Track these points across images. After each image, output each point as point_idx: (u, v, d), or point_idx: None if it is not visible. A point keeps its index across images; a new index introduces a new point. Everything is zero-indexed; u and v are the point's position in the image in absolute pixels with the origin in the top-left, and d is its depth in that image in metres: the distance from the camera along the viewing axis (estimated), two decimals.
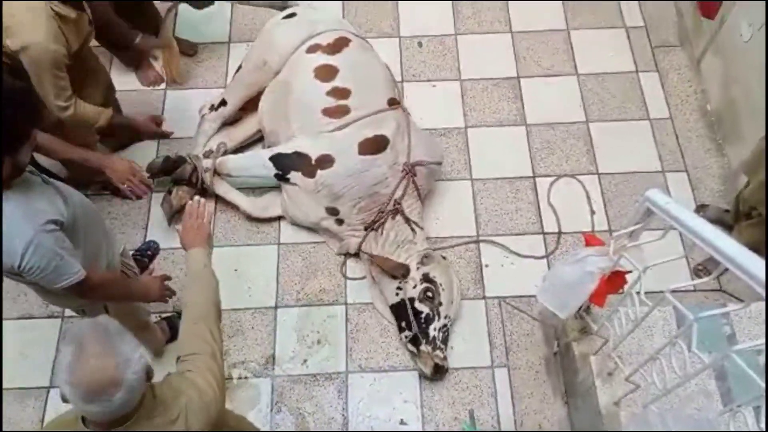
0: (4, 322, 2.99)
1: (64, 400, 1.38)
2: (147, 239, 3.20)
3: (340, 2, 3.97)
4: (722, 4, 3.32)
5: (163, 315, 3.00)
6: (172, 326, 2.94)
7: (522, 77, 3.70)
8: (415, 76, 3.72)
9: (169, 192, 3.17)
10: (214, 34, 3.86)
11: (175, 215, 3.17)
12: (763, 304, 2.32)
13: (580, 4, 3.93)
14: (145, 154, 3.41)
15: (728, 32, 3.32)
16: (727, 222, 2.91)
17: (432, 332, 2.81)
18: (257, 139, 3.44)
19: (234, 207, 3.24)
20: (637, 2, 3.94)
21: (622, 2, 3.95)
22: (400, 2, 3.97)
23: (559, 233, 3.22)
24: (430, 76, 3.73)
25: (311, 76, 3.09)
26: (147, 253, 3.18)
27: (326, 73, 3.09)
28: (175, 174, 3.14)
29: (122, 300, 2.33)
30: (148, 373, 1.45)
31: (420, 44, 3.84)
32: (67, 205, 1.91)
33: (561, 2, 3.95)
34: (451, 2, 3.97)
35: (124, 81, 3.62)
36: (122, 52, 3.58)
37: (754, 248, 1.59)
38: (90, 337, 1.37)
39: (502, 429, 2.76)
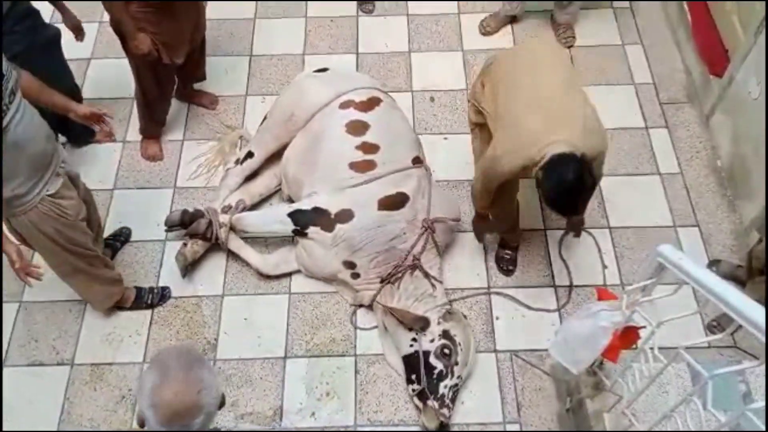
0: (12, 369, 2.99)
1: (141, 425, 1.41)
2: (159, 286, 3.21)
3: (354, 57, 4.09)
4: (730, 61, 3.38)
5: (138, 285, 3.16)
6: (138, 296, 3.12)
7: None
8: (427, 129, 3.78)
9: (185, 245, 3.21)
10: (232, 86, 3.96)
11: (188, 268, 3.20)
12: None
13: (589, 61, 4.01)
14: (162, 204, 3.48)
15: (737, 89, 3.37)
16: (740, 278, 2.89)
17: (442, 389, 2.78)
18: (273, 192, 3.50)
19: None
20: (645, 60, 4.02)
21: (630, 59, 4.03)
22: (413, 59, 4.08)
23: (571, 286, 3.20)
24: (442, 129, 3.79)
25: (343, 130, 3.14)
26: (120, 239, 3.32)
27: (358, 128, 3.15)
28: (190, 228, 3.18)
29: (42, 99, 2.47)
30: (222, 402, 1.48)
31: (432, 99, 3.92)
32: None
33: (571, 60, 4.03)
34: (462, 59, 4.07)
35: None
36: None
37: None
38: (175, 362, 1.42)
39: None
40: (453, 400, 2.80)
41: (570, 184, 2.31)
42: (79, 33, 3.27)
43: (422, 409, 2.78)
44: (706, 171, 3.56)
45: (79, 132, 3.50)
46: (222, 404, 1.49)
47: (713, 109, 3.62)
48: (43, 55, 3.02)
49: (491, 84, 2.77)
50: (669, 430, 1.85)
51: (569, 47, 4.05)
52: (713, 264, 3.15)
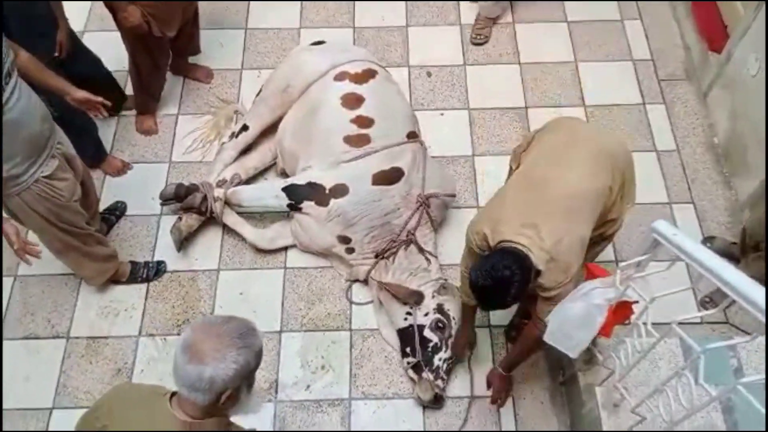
0: (8, 342, 3.00)
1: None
2: (155, 260, 3.21)
3: (351, 31, 4.04)
4: (729, 38, 3.36)
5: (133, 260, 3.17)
6: (133, 270, 3.12)
7: (530, 107, 3.74)
8: (423, 105, 3.76)
9: (180, 219, 3.20)
10: (227, 60, 3.92)
11: (184, 242, 3.19)
12: None
13: (587, 36, 3.98)
14: (157, 179, 3.46)
15: (735, 66, 3.35)
16: (734, 254, 2.90)
17: (437, 361, 2.81)
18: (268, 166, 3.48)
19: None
20: (644, 35, 3.99)
21: (629, 35, 4.00)
22: (410, 33, 4.03)
23: None
24: (438, 104, 3.77)
25: (338, 102, 3.12)
26: (115, 213, 3.32)
27: (353, 101, 3.12)
28: (185, 201, 3.18)
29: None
30: (249, 384, 1.51)
31: (429, 74, 3.89)
32: None
33: (569, 35, 4.00)
34: (460, 34, 4.03)
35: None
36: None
37: (762, 280, 1.59)
38: (228, 325, 1.44)
39: None
40: (448, 372, 2.83)
41: (497, 281, 2.05)
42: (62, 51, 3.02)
43: (417, 381, 2.81)
44: (703, 148, 3.56)
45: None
46: (249, 388, 1.51)
47: (711, 85, 3.61)
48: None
49: (533, 145, 2.46)
50: (660, 403, 1.87)
51: (475, 44, 3.98)
52: (707, 240, 3.16)
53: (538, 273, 2.12)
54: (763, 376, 1.52)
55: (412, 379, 2.85)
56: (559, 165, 2.27)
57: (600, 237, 2.43)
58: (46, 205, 2.50)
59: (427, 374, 2.79)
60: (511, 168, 2.55)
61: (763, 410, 1.47)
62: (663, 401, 1.87)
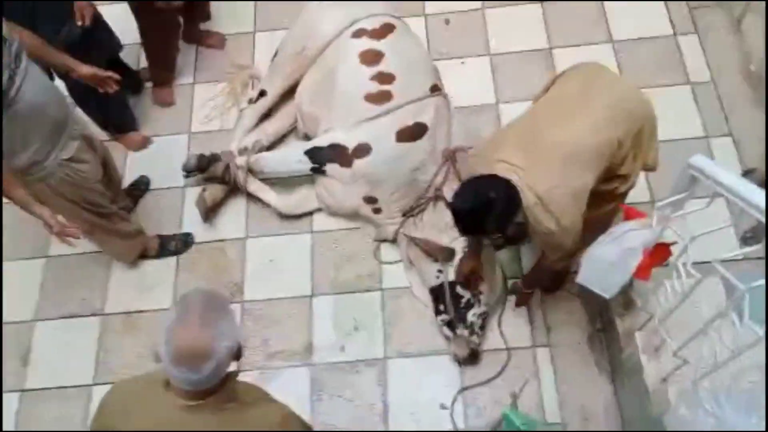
0: (44, 323, 3.05)
1: (157, 360, 1.43)
2: (182, 232, 3.21)
3: None
4: None
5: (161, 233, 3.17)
6: (162, 245, 3.12)
7: (554, 48, 3.58)
8: (443, 55, 3.63)
9: (204, 189, 3.18)
10: (239, 24, 3.84)
11: (209, 213, 3.18)
12: None
13: None
14: (178, 150, 3.44)
15: None
16: None
17: (470, 317, 2.76)
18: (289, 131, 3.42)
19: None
20: None
21: None
22: None
23: None
24: (459, 53, 3.64)
25: (357, 60, 3.02)
26: (140, 187, 3.31)
27: (372, 58, 3.02)
28: (208, 172, 3.15)
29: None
30: (238, 353, 1.48)
31: (447, 21, 3.75)
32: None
33: None
34: None
35: None
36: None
37: None
38: (197, 305, 1.43)
39: (546, 409, 2.69)
40: (482, 327, 2.79)
41: (479, 203, 1.99)
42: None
43: (452, 338, 2.78)
44: (739, 77, 3.37)
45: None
46: (239, 356, 1.49)
47: (744, 10, 3.40)
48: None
49: (549, 91, 2.38)
50: (704, 346, 1.79)
51: None
52: (747, 173, 3.01)
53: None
54: None
55: (446, 337, 2.82)
56: (565, 115, 2.16)
57: (611, 195, 2.30)
58: (71, 188, 2.50)
59: (461, 330, 2.75)
60: None
61: None
62: (707, 343, 1.79)
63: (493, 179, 2.03)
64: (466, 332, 2.75)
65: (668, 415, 1.75)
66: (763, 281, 1.59)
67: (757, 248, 1.85)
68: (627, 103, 2.22)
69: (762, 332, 1.56)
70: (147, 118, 3.58)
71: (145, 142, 3.47)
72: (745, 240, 2.85)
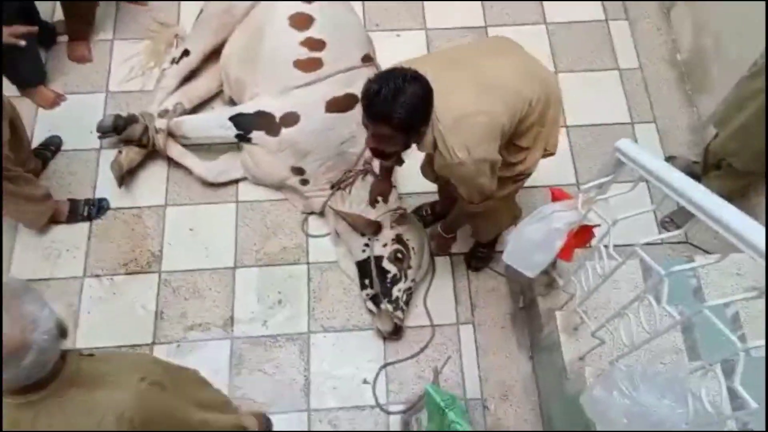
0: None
1: None
2: (96, 197, 3.03)
3: None
4: None
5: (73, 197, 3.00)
6: (73, 209, 2.94)
7: (489, 26, 3.57)
8: (378, 26, 3.55)
9: (120, 152, 2.99)
10: None
11: (125, 177, 3.01)
12: (733, 256, 2.29)
13: None
14: (94, 110, 3.23)
15: None
16: (695, 173, 2.86)
17: (396, 293, 2.74)
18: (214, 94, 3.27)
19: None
20: None
21: None
22: None
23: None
24: (394, 24, 3.57)
25: (286, 23, 2.89)
26: (50, 148, 3.10)
27: (302, 22, 2.90)
28: (125, 134, 2.97)
29: None
30: (62, 331, 1.37)
31: None
32: None
33: None
34: None
35: None
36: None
37: (724, 198, 1.52)
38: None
39: (467, 385, 2.72)
40: (407, 303, 2.78)
41: (393, 85, 1.85)
42: None
43: (376, 313, 2.75)
44: (666, 65, 3.46)
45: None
46: (64, 334, 1.37)
47: (673, 1, 3.48)
48: None
49: None
50: (621, 327, 1.83)
51: None
52: (669, 160, 3.11)
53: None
54: (733, 298, 1.47)
55: (371, 311, 2.79)
56: (492, 53, 2.14)
57: (509, 178, 2.27)
58: None
59: (386, 305, 2.73)
60: None
61: (726, 330, 1.42)
62: (624, 324, 1.83)
63: (413, 72, 1.89)
64: (390, 307, 2.73)
65: (584, 395, 1.78)
66: (680, 266, 1.63)
67: (676, 234, 1.90)
68: (544, 75, 2.22)
69: (676, 314, 1.59)
70: (60, 74, 3.34)
71: (57, 100, 3.24)
72: (664, 224, 2.95)
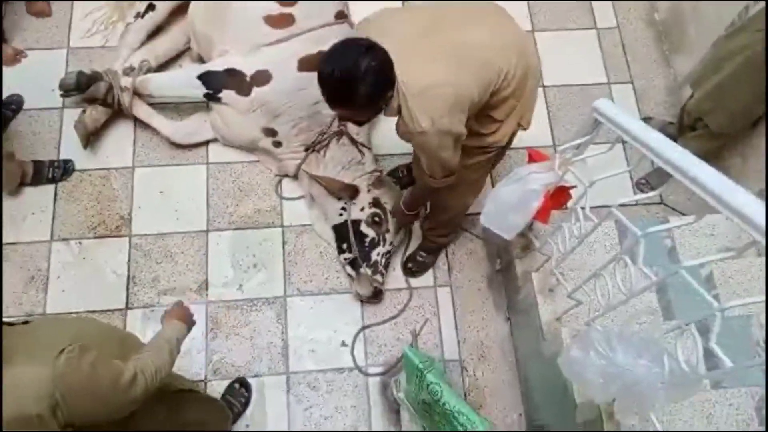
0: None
1: None
2: (60, 159, 2.93)
3: None
4: None
5: (37, 159, 2.90)
6: (37, 170, 2.85)
7: None
8: None
9: (84, 111, 2.88)
10: None
11: (90, 137, 2.90)
12: (709, 218, 2.30)
13: None
14: (55, 67, 3.10)
15: None
16: (671, 134, 2.85)
17: (375, 257, 2.72)
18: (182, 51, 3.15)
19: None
20: None
21: None
22: None
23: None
24: None
25: None
26: (11, 107, 2.99)
27: None
28: (88, 92, 2.85)
29: None
30: None
31: None
32: None
33: None
34: None
35: None
36: None
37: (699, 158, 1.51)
38: None
39: (445, 347, 2.74)
40: (386, 266, 2.76)
41: (351, 68, 1.76)
42: None
43: (355, 277, 2.73)
44: (643, 24, 3.43)
45: None
46: None
47: None
48: None
49: None
50: (597, 287, 1.84)
51: None
52: (644, 121, 3.09)
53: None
54: (709, 258, 1.48)
55: (350, 276, 2.76)
56: (466, 20, 1.98)
57: (480, 148, 2.19)
58: None
59: (365, 269, 2.71)
60: None
61: (702, 290, 1.43)
62: (600, 285, 1.83)
63: (367, 43, 1.79)
64: (369, 271, 2.71)
65: (561, 355, 1.79)
66: (656, 227, 1.63)
67: (651, 195, 1.89)
68: (522, 46, 2.08)
69: (652, 275, 1.60)
70: (18, 30, 3.19)
71: (16, 56, 3.09)
72: (639, 186, 2.95)
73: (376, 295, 2.73)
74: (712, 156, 2.74)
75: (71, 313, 2.67)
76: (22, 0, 3.23)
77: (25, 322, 1.48)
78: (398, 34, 1.88)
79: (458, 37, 1.94)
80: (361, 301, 2.78)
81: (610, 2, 3.48)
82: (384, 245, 2.74)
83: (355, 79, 1.76)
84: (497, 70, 1.96)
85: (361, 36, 1.88)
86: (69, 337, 1.42)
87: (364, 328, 2.76)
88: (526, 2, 3.45)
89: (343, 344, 2.73)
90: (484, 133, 2.15)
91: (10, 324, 1.45)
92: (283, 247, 2.88)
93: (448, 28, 1.95)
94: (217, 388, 2.61)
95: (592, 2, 3.48)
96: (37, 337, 1.42)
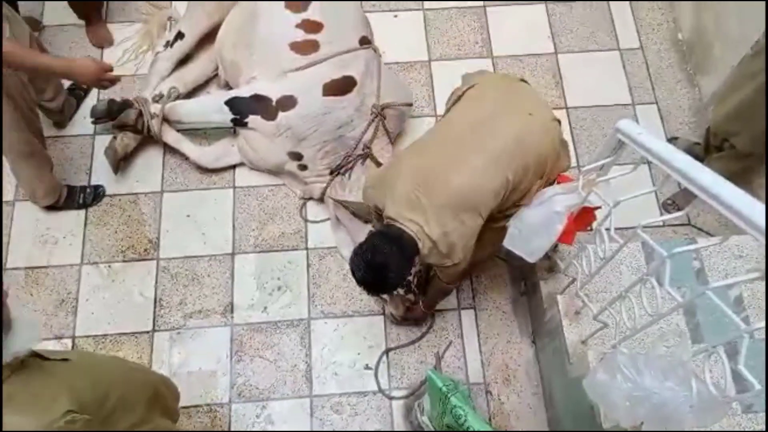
0: None
1: None
2: (92, 184, 3.00)
3: None
4: None
5: (69, 184, 2.98)
6: (70, 195, 2.93)
7: (488, 5, 3.51)
8: (375, 6, 3.50)
9: (114, 138, 2.96)
10: None
11: (120, 163, 2.98)
12: (736, 239, 2.27)
13: None
14: (87, 97, 3.20)
15: None
16: (698, 155, 2.82)
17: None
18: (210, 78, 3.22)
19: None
20: None
21: None
22: None
23: None
24: (391, 5, 3.52)
25: (281, 5, 2.85)
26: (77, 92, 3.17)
27: (298, 3, 2.85)
28: (118, 119, 2.93)
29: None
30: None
31: None
32: None
33: None
34: None
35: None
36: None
37: (726, 179, 1.49)
38: None
39: (469, 371, 2.71)
40: (418, 285, 2.75)
41: (375, 270, 1.97)
42: None
43: (388, 298, 2.72)
44: (667, 45, 3.42)
45: None
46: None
47: None
48: None
49: (457, 107, 2.24)
50: (623, 309, 1.81)
51: None
52: (670, 141, 3.08)
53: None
54: (736, 279, 1.45)
55: (382, 297, 2.76)
56: (463, 156, 2.03)
57: (506, 217, 2.24)
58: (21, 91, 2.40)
59: (397, 290, 2.70)
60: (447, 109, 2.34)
61: (730, 312, 1.40)
62: (626, 307, 1.81)
63: (394, 234, 2.01)
64: (401, 291, 2.70)
65: (587, 378, 1.76)
66: (682, 248, 1.61)
67: (678, 215, 1.87)
68: (527, 138, 2.07)
69: (679, 296, 1.57)
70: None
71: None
72: (666, 206, 2.92)
73: (408, 316, 2.73)
74: (739, 177, 2.69)
75: (99, 336, 2.71)
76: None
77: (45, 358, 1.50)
78: (402, 189, 2.04)
79: (456, 181, 2.00)
80: (395, 322, 2.77)
81: (633, 23, 3.47)
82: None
83: (383, 278, 1.98)
84: (502, 186, 2.05)
85: (378, 203, 2.14)
86: (92, 395, 1.45)
87: (387, 350, 2.75)
88: (548, 24, 3.46)
89: (367, 367, 2.73)
90: (508, 212, 2.22)
91: (45, 358, 1.47)
92: (308, 270, 2.90)
93: (446, 173, 2.01)
94: (241, 412, 2.62)
95: (615, 23, 3.48)
96: (57, 380, 1.43)
